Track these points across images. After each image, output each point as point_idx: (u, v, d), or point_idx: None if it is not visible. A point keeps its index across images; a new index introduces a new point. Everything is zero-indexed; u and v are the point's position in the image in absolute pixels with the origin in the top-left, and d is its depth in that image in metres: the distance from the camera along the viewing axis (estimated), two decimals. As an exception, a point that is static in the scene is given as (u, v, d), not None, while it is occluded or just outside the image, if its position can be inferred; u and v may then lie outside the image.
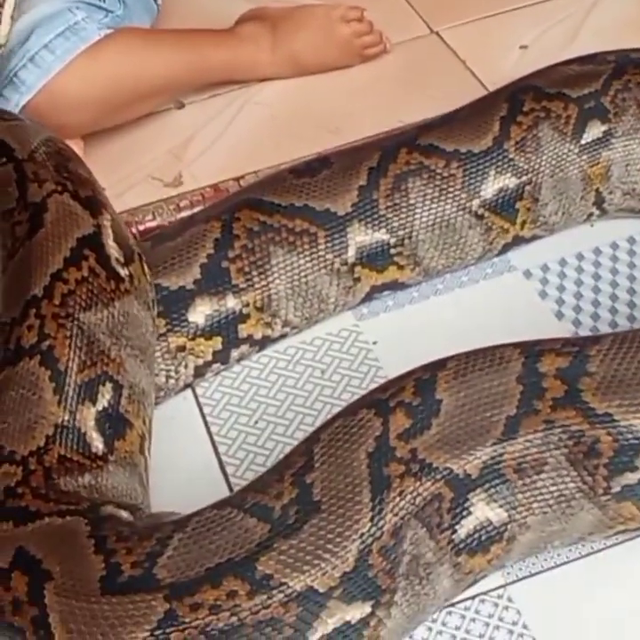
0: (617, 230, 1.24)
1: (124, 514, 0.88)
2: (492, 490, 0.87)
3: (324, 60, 1.45)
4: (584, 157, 1.21)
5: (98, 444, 0.93)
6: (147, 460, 0.99)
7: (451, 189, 1.18)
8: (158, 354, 1.09)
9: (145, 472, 0.98)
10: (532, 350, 0.92)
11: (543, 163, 1.20)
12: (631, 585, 0.92)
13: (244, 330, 1.13)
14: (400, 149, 1.19)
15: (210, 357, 1.13)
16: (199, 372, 1.13)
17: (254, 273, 1.13)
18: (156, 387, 1.08)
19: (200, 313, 1.11)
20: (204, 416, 1.13)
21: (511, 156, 1.18)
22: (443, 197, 1.18)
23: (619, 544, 0.94)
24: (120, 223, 1.07)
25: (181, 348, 1.11)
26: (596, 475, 0.87)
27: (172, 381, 1.12)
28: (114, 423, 0.96)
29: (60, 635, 0.78)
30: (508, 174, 1.18)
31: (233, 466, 1.07)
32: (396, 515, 0.84)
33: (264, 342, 1.16)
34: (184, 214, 1.28)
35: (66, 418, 0.93)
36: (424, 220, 1.17)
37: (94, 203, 1.05)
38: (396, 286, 1.20)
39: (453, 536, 0.86)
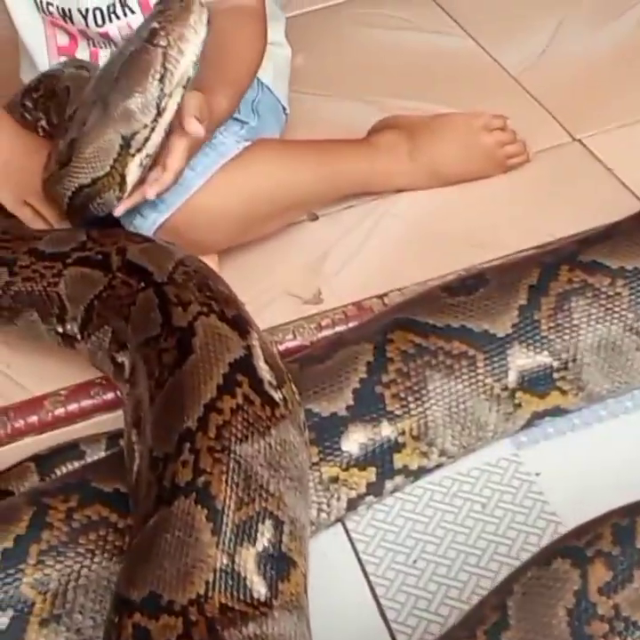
0: None
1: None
2: None
3: (464, 170, 1.39)
4: None
5: (260, 588, 0.85)
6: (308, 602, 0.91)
7: (617, 309, 1.10)
8: (311, 485, 1.02)
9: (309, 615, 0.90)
10: None
11: None
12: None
13: (399, 459, 1.06)
14: (561, 266, 1.12)
15: (363, 489, 1.05)
16: (352, 505, 1.06)
17: (410, 399, 1.06)
18: (307, 521, 1.01)
19: (354, 441, 1.04)
20: (357, 553, 1.05)
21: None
22: (608, 317, 1.10)
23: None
24: (266, 342, 1.02)
25: (334, 479, 1.04)
26: None
27: (323, 515, 1.05)
28: (276, 564, 0.88)
29: None
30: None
31: (393, 611, 0.99)
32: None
33: (419, 473, 1.08)
34: (326, 333, 1.23)
35: (225, 561, 0.86)
36: (589, 341, 1.10)
37: (241, 322, 1.00)
38: (556, 412, 1.12)
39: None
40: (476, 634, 0.78)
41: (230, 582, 0.85)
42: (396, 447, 1.05)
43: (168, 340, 1.00)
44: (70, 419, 1.19)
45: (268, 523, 0.89)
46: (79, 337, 1.13)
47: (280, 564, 0.88)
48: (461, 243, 1.32)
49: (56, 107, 1.30)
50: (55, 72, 1.35)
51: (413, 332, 1.09)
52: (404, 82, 1.63)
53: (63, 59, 1.39)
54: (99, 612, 0.98)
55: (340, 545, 1.05)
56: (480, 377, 1.09)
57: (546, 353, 1.09)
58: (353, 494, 1.05)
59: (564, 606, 0.78)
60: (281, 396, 0.95)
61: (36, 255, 1.17)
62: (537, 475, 1.09)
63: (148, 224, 1.23)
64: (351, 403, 1.05)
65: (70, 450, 1.16)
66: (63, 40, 1.38)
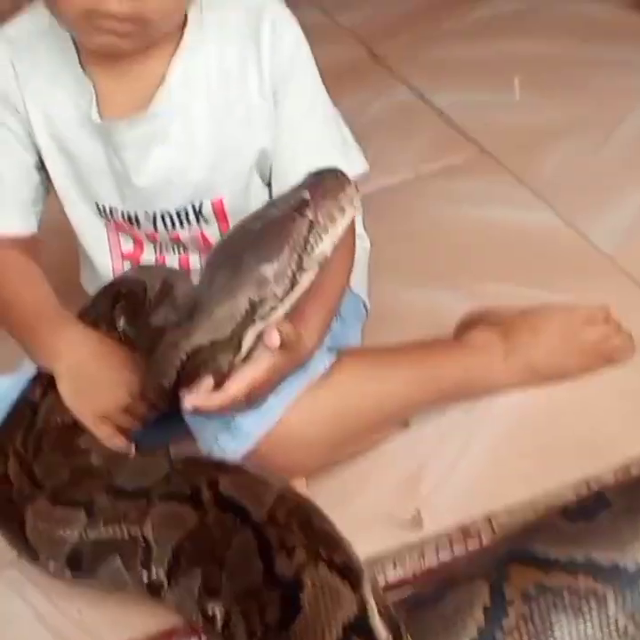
0: None
1: None
2: None
3: (564, 368, 1.29)
4: None
5: None
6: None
7: None
8: None
9: None
10: None
11: None
12: None
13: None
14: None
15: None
16: None
17: (534, 647, 0.94)
18: None
19: None
20: None
21: None
22: None
23: None
24: (378, 588, 0.93)
25: None
26: None
27: None
28: None
29: None
30: None
31: None
32: None
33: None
34: (429, 561, 1.12)
35: None
36: None
37: (352, 570, 0.91)
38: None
39: None
40: None
41: None
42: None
43: (271, 592, 0.91)
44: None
45: None
46: (166, 584, 1.04)
47: None
48: (570, 449, 1.21)
49: (133, 310, 1.24)
50: (128, 275, 1.30)
51: (533, 567, 0.97)
52: (493, 264, 1.55)
53: (127, 264, 1.33)
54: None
55: None
56: (611, 618, 0.96)
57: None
58: None
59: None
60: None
61: (116, 493, 1.08)
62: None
63: (225, 455, 1.14)
64: (471, 657, 0.94)
65: None
66: (128, 246, 1.32)
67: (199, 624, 1.03)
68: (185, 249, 1.30)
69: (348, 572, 0.90)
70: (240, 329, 1.08)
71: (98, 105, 1.21)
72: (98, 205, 1.28)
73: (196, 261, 1.30)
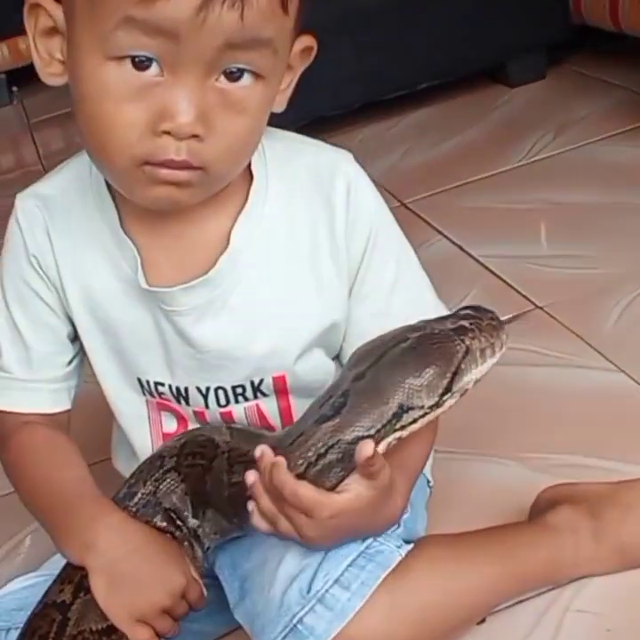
0: None
1: None
2: None
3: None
4: None
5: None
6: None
7: None
8: None
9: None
10: None
11: None
12: None
13: None
14: None
15: None
16: None
17: None
18: None
19: None
20: None
21: None
22: None
23: None
24: None
25: None
26: None
27: None
28: None
29: None
30: None
31: None
32: None
33: None
34: None
35: None
36: None
37: None
38: None
39: None
40: None
41: None
42: None
43: None
44: None
45: None
46: None
47: None
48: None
49: (193, 482, 1.07)
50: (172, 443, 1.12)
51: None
52: (565, 432, 1.41)
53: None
54: None
55: None
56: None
57: None
58: None
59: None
60: None
61: None
62: None
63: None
64: None
65: None
66: (170, 425, 1.16)
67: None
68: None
69: None
70: (380, 434, 0.98)
71: (144, 270, 1.07)
72: (140, 381, 1.14)
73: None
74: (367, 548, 1.02)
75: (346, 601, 0.99)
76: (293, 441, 0.99)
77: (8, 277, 1.14)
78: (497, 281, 1.81)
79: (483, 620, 1.13)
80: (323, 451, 0.97)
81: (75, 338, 1.15)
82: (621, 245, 1.84)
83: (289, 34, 0.97)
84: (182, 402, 1.14)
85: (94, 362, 1.14)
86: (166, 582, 1.01)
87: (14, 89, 3.71)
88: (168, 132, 0.93)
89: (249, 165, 1.06)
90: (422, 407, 0.99)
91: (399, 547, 1.03)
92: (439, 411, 1.01)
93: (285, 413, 1.14)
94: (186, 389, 1.13)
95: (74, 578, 1.04)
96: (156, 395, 1.14)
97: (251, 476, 0.98)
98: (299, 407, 1.11)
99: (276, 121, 1.07)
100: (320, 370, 1.13)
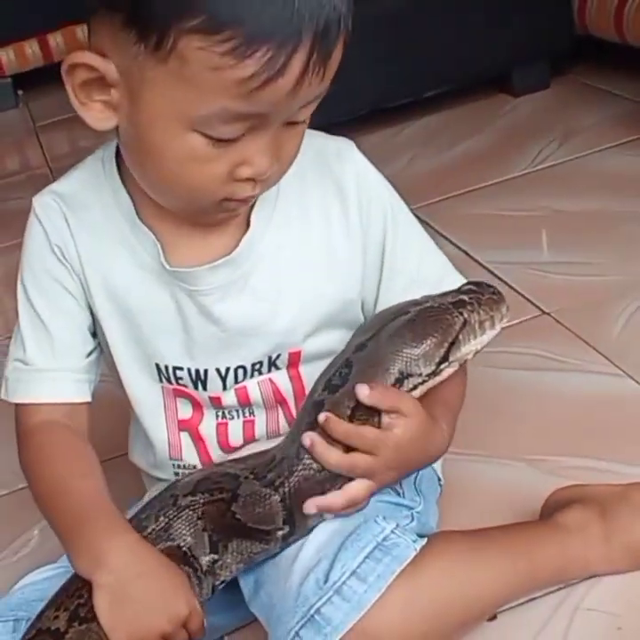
0: None
1: None
2: None
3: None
4: None
5: None
6: None
7: None
8: None
9: None
10: None
11: None
12: None
13: None
14: None
15: None
16: None
17: None
18: None
19: None
20: None
21: None
22: None
23: None
24: None
25: None
26: None
27: None
28: None
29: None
30: None
31: None
32: None
33: None
34: None
35: None
36: None
37: None
38: None
39: None
40: None
41: None
42: None
43: None
44: None
45: None
46: None
47: None
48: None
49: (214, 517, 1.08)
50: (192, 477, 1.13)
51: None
52: (574, 435, 1.43)
53: (184, 434, 1.19)
54: None
55: None
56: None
57: None
58: None
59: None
60: None
61: None
62: None
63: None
64: None
65: None
66: (186, 411, 1.18)
67: None
68: (251, 412, 1.18)
69: None
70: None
71: (165, 254, 1.11)
72: (159, 366, 1.16)
73: (262, 425, 1.18)
74: (384, 539, 1.03)
75: (362, 593, 1.00)
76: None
77: (29, 274, 1.15)
78: (504, 286, 1.82)
79: (494, 617, 1.15)
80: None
81: (94, 332, 1.17)
82: (627, 253, 1.85)
83: None
84: (199, 387, 1.16)
85: (114, 350, 1.16)
86: (170, 609, 1.00)
87: (20, 92, 3.74)
88: (248, 178, 1.00)
89: None
90: (420, 374, 1.06)
91: (414, 541, 1.04)
92: (437, 379, 1.08)
93: (296, 381, 1.18)
94: (205, 372, 1.15)
95: (69, 605, 1.02)
96: (173, 381, 1.16)
97: (307, 439, 1.05)
98: (307, 374, 1.17)
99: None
100: (334, 344, 1.16)
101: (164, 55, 0.92)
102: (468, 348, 1.09)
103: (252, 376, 1.16)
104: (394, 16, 2.41)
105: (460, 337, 1.08)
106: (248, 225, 1.11)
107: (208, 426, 1.19)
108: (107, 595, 1.00)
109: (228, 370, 1.15)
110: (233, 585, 1.13)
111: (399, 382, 1.06)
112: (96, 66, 0.97)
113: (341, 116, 2.47)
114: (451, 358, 1.08)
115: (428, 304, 1.10)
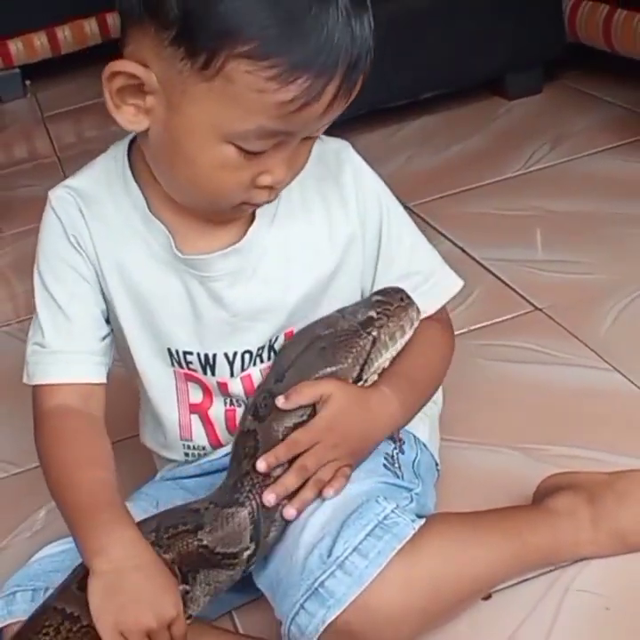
0: None
1: None
2: None
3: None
4: None
5: None
6: None
7: None
8: None
9: None
10: None
11: None
12: None
13: None
14: None
15: None
16: None
17: None
18: None
19: None
20: None
21: None
22: None
23: None
24: None
25: None
26: None
27: None
28: None
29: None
30: None
31: None
32: None
33: None
34: None
35: None
36: None
37: None
38: None
39: None
40: None
41: None
42: None
43: None
44: None
45: None
46: None
47: None
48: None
49: (180, 549, 1.11)
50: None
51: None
52: (562, 425, 1.48)
53: (194, 417, 1.25)
54: None
55: None
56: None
57: None
58: None
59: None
60: None
61: None
62: None
63: (314, 622, 1.05)
64: None
65: None
66: (196, 396, 1.24)
67: None
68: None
69: None
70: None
71: (175, 242, 1.17)
72: (170, 351, 1.21)
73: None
74: (385, 518, 1.09)
75: (364, 568, 1.05)
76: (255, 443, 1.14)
77: (45, 263, 1.21)
78: (498, 283, 1.88)
79: (489, 596, 1.20)
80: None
81: (107, 318, 1.22)
82: (615, 253, 1.91)
83: None
84: (208, 371, 1.22)
85: (128, 335, 1.21)
86: (158, 607, 1.04)
87: (28, 83, 3.79)
88: (267, 185, 1.08)
89: None
90: None
91: (413, 520, 1.10)
92: None
93: None
94: (214, 357, 1.21)
95: (54, 623, 1.06)
96: (183, 365, 1.22)
97: (262, 464, 1.11)
98: None
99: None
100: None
101: (211, 74, 0.98)
102: (380, 362, 1.18)
103: (255, 363, 1.22)
104: (394, 21, 2.46)
105: (372, 356, 1.16)
106: (253, 218, 1.18)
107: (217, 411, 1.25)
108: (101, 582, 1.05)
109: (235, 354, 1.21)
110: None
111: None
112: (137, 74, 1.03)
113: (342, 115, 2.52)
114: (365, 376, 1.17)
115: (339, 325, 1.17)
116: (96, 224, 1.18)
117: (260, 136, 1.03)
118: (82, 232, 1.18)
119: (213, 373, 1.22)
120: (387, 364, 1.19)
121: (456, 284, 1.30)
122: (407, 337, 1.20)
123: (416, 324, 1.21)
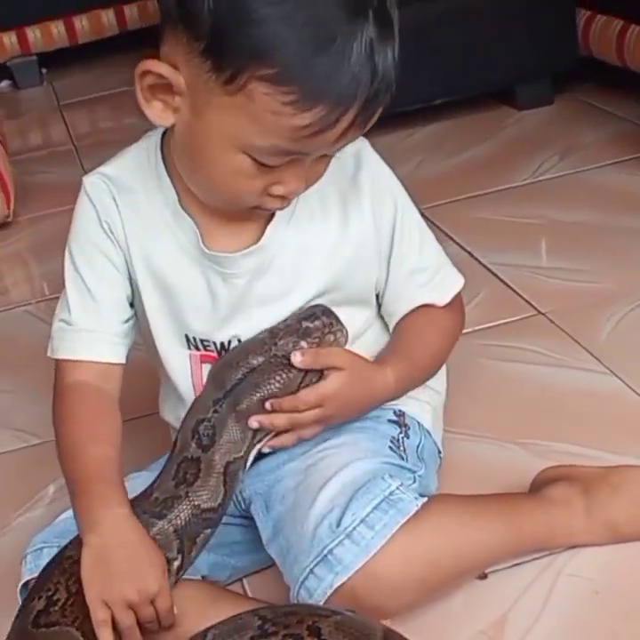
0: None
1: None
2: None
3: (646, 523, 1.27)
4: None
5: None
6: None
7: None
8: None
9: None
10: None
11: None
12: None
13: None
14: None
15: None
16: None
17: None
18: None
19: None
20: None
21: None
22: None
23: None
24: None
25: None
26: None
27: None
28: None
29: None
30: None
31: None
32: None
33: None
34: None
35: None
36: None
37: None
38: None
39: None
40: None
41: None
42: None
43: None
44: None
45: None
46: None
47: None
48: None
49: None
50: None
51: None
52: (561, 424, 1.54)
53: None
54: None
55: None
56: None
57: None
58: None
59: None
60: None
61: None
62: None
63: (322, 587, 1.11)
64: None
65: None
66: None
67: None
68: None
69: None
70: (249, 448, 1.20)
71: (202, 238, 1.22)
72: (188, 336, 1.27)
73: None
74: (390, 494, 1.15)
75: (370, 539, 1.12)
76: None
77: (77, 247, 1.26)
78: (503, 286, 1.95)
79: (485, 576, 1.27)
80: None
81: (131, 303, 1.28)
82: (617, 264, 1.97)
83: None
84: (223, 353, 1.27)
85: (150, 319, 1.27)
86: (139, 582, 1.10)
87: (44, 71, 3.85)
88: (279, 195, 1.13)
89: None
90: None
91: (416, 498, 1.17)
92: None
93: None
94: (229, 343, 1.27)
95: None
96: (201, 348, 1.28)
97: (254, 422, 1.19)
98: None
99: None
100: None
101: (234, 90, 1.04)
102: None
103: None
104: (410, 29, 2.50)
105: (303, 385, 1.19)
106: (272, 216, 1.23)
107: None
108: (91, 555, 1.12)
109: (240, 341, 1.26)
110: (253, 529, 1.25)
111: (256, 435, 1.19)
112: (167, 76, 1.08)
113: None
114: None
115: (272, 354, 1.20)
116: (128, 213, 1.24)
117: (273, 153, 1.08)
118: (114, 219, 1.24)
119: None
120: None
121: (460, 278, 1.36)
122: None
123: (340, 338, 1.24)
